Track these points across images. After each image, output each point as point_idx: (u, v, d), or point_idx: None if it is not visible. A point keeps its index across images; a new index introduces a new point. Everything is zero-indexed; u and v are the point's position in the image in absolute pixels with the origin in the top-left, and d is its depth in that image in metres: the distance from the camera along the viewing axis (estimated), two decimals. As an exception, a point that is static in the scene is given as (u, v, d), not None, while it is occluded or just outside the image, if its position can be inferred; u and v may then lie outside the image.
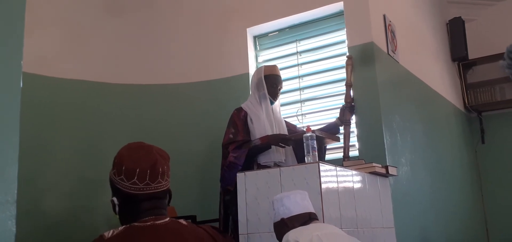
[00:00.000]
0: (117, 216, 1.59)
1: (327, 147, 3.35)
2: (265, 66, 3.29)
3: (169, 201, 1.63)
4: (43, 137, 3.56)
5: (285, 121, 3.28)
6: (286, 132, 3.13)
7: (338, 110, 3.35)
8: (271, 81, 3.14)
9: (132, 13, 4.15)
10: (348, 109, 3.24)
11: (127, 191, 1.52)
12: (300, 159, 3.01)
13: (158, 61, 4.13)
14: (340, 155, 3.30)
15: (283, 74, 3.88)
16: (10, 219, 1.07)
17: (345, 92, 3.34)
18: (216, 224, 3.08)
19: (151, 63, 4.12)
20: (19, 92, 1.34)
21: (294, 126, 3.36)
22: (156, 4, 4.23)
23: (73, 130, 3.72)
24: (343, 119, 3.21)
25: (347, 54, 3.46)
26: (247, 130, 3.05)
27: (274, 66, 3.28)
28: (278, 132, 3.05)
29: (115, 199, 1.56)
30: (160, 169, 1.54)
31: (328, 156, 3.45)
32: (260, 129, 3.01)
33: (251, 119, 3.06)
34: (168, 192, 1.60)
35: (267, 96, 3.11)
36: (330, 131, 3.17)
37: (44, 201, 3.48)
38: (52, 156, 3.59)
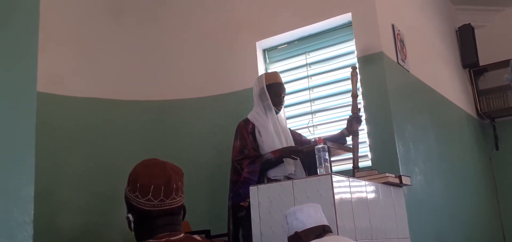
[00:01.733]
0: (133, 233, 1.60)
1: (335, 158, 3.31)
2: (266, 74, 3.23)
3: (183, 217, 1.63)
4: (58, 155, 3.59)
5: (289, 129, 3.25)
6: (292, 142, 3.09)
7: (349, 121, 3.34)
8: (274, 90, 3.08)
9: (143, 30, 4.19)
10: (355, 119, 3.20)
11: (142, 208, 1.53)
12: (309, 170, 2.99)
13: (168, 76, 4.17)
14: (349, 166, 3.28)
15: (293, 86, 3.90)
16: (27, 239, 1.09)
17: (351, 103, 3.33)
18: (225, 239, 3.07)
19: (161, 79, 4.15)
20: (34, 113, 1.36)
21: (300, 135, 3.32)
22: (165, 19, 4.27)
23: (87, 147, 3.75)
24: (351, 130, 3.18)
25: (352, 65, 3.45)
26: (256, 143, 3.00)
27: (275, 74, 3.21)
28: (285, 143, 3.03)
29: (130, 215, 1.58)
30: (174, 185, 1.56)
31: (337, 168, 3.44)
32: (268, 142, 2.97)
33: (259, 132, 3.01)
34: (182, 208, 1.61)
35: (272, 107, 3.06)
36: (336, 142, 3.14)
37: (60, 218, 3.51)
38: (67, 173, 3.62)
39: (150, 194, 1.52)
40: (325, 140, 2.72)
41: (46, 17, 3.60)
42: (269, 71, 4.07)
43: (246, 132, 3.02)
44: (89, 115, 3.82)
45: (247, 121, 3.07)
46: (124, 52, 4.08)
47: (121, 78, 4.02)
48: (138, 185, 1.54)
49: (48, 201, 3.41)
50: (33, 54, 1.41)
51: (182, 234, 1.56)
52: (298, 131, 3.41)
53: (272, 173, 2.93)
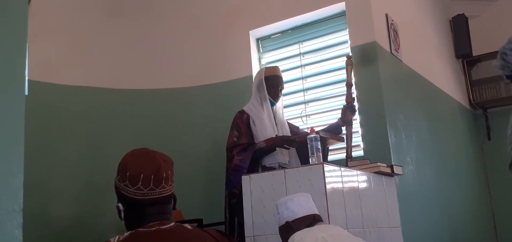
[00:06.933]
0: (123, 222, 1.60)
1: (330, 148, 3.34)
2: (266, 67, 3.30)
3: (174, 206, 1.64)
4: (50, 144, 3.59)
5: (287, 122, 3.28)
6: (289, 133, 3.13)
7: (342, 111, 3.35)
8: (271, 82, 3.15)
9: (136, 19, 4.17)
10: (349, 109, 3.21)
11: (131, 197, 1.54)
12: (303, 160, 3.01)
13: (162, 65, 4.16)
14: (343, 155, 3.29)
15: (287, 76, 3.90)
16: (17, 228, 1.08)
17: (346, 92, 3.33)
18: (222, 227, 3.09)
19: (154, 67, 4.14)
20: (23, 101, 1.35)
21: (297, 128, 3.36)
22: (159, 9, 4.25)
23: (80, 136, 3.75)
24: (345, 119, 3.19)
25: (347, 54, 3.46)
26: (250, 133, 3.05)
27: (275, 67, 3.29)
28: (281, 134, 3.06)
29: (120, 205, 1.58)
30: (164, 174, 1.56)
31: (331, 157, 3.45)
32: (262, 131, 3.02)
33: (253, 122, 3.07)
34: (172, 197, 1.61)
35: (268, 97, 3.12)
36: (332, 132, 3.16)
37: (52, 207, 3.51)
38: (59, 162, 3.62)
39: (140, 183, 1.52)
40: (319, 130, 2.73)
41: (38, 6, 3.59)
42: (262, 60, 4.08)
43: (241, 122, 3.08)
44: (82, 103, 3.81)
45: (242, 112, 3.14)
46: (117, 41, 4.06)
47: (114, 67, 4.01)
48: (127, 174, 1.54)
49: (41, 190, 3.40)
50: (22, 41, 1.40)
51: (173, 223, 1.56)
52: (291, 121, 3.43)
53: (267, 161, 2.97)
